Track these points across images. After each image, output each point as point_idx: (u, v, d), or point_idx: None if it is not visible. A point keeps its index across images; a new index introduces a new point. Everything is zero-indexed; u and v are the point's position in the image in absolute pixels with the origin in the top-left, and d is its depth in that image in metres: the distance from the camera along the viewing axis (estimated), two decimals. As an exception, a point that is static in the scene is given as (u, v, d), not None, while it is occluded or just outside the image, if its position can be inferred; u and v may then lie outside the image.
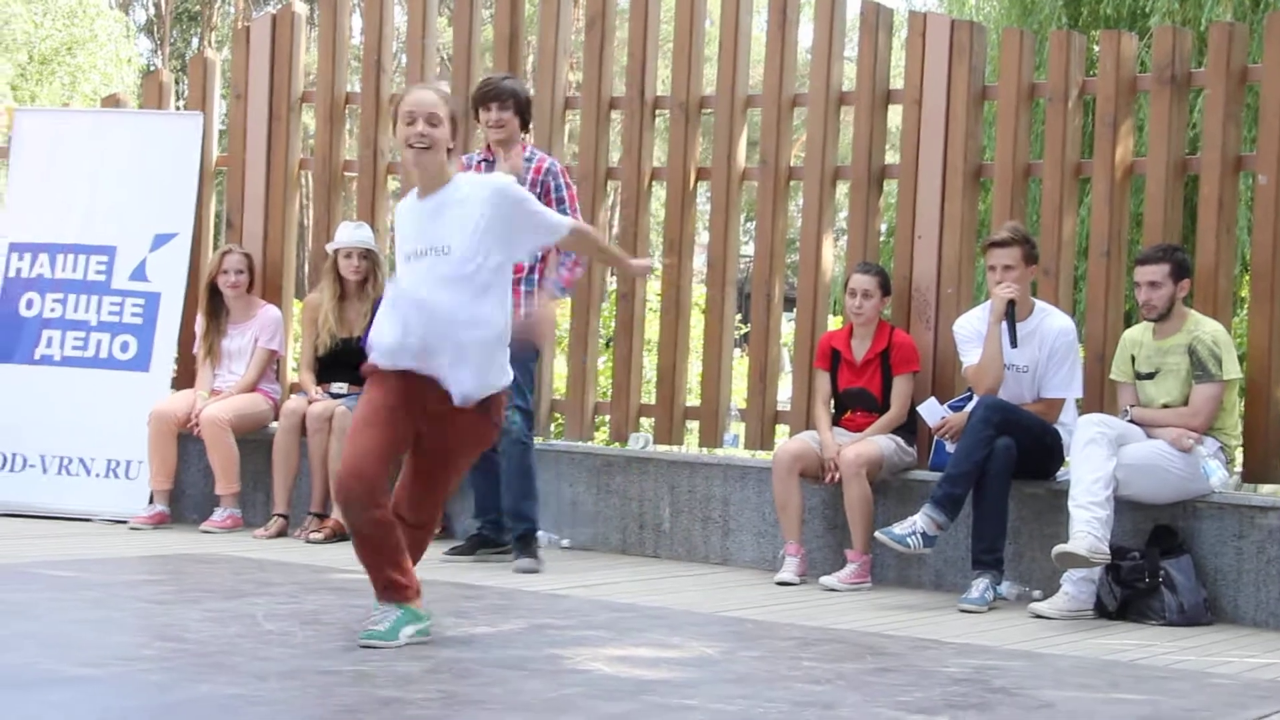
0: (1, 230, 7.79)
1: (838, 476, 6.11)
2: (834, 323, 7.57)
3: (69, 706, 3.37)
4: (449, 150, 4.37)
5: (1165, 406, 5.83)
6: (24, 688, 3.52)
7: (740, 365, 8.06)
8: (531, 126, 6.43)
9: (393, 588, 4.32)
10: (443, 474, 4.48)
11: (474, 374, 4.31)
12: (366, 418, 4.29)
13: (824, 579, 6.00)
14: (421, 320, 4.29)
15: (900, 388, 6.30)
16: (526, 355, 6.14)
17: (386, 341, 4.35)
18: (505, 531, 6.31)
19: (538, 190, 6.12)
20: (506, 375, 4.43)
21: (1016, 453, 5.75)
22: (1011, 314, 5.94)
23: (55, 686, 3.55)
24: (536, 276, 6.16)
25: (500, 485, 6.26)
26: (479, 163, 6.22)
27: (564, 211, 6.15)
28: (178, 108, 8.06)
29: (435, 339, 4.28)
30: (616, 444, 7.30)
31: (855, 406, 6.36)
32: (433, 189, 4.35)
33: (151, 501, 7.12)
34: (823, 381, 6.41)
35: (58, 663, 3.82)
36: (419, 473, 4.45)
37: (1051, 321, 6.07)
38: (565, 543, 6.84)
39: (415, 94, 4.38)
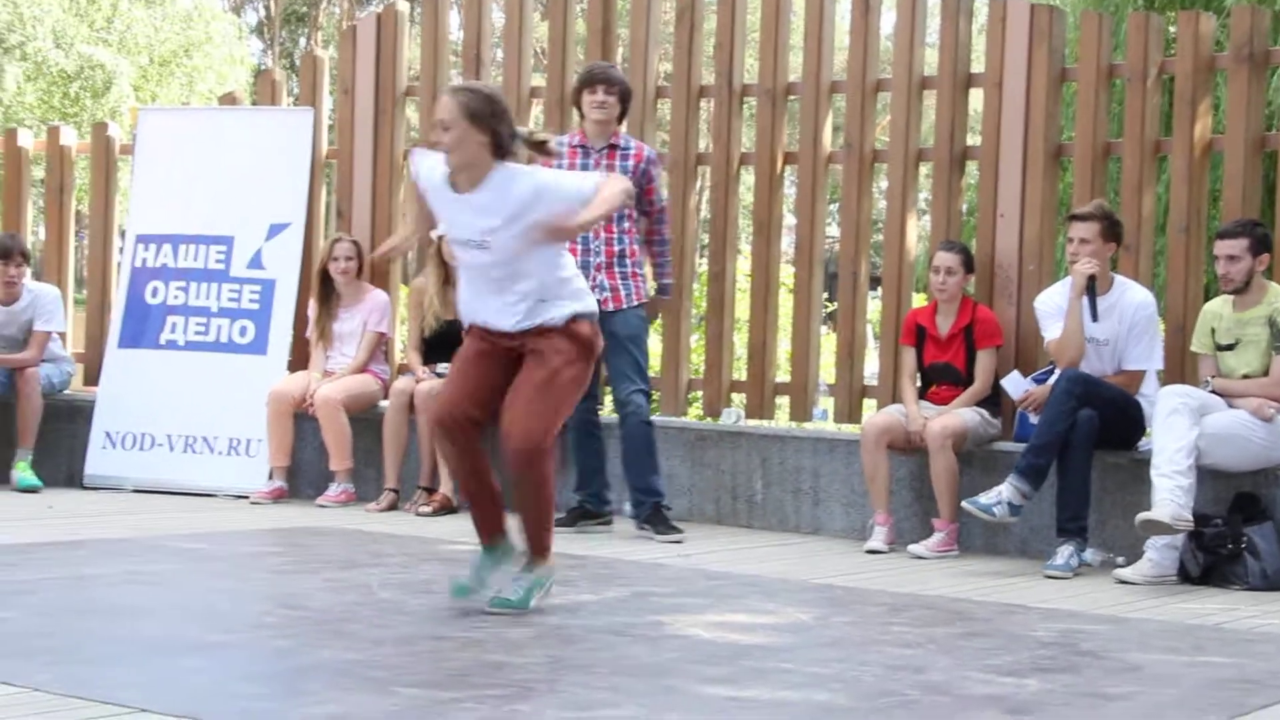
0: (128, 223, 8.18)
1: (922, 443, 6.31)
2: (918, 300, 7.73)
3: (206, 671, 3.63)
4: (491, 145, 4.45)
5: (1245, 377, 5.91)
6: (166, 654, 3.79)
7: (827, 342, 8.25)
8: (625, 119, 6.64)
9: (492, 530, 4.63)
10: (534, 383, 4.47)
11: (542, 315, 4.52)
12: (457, 364, 4.67)
13: (912, 547, 6.19)
14: (481, 290, 4.59)
15: (984, 362, 6.47)
16: (645, 340, 6.44)
17: (463, 305, 4.69)
18: (605, 504, 6.58)
19: (639, 177, 6.36)
20: (579, 300, 4.58)
21: (1099, 423, 5.84)
22: (1092, 289, 6.04)
23: (191, 653, 3.81)
24: (629, 260, 6.40)
25: (603, 460, 6.55)
26: (573, 148, 6.44)
27: (654, 201, 6.41)
28: (290, 104, 8.35)
29: (498, 304, 4.55)
30: (709, 419, 7.52)
31: (940, 380, 6.54)
32: (471, 184, 4.51)
33: (270, 478, 7.42)
34: (908, 357, 6.59)
35: (192, 631, 4.09)
36: (515, 392, 4.50)
37: (1131, 295, 6.17)
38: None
39: (438, 100, 4.58)
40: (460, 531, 6.42)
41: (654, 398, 7.62)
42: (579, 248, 6.39)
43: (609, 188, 4.57)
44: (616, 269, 6.36)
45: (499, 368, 4.58)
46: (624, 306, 6.39)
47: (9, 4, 21.17)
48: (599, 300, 6.34)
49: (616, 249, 6.34)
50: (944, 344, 6.50)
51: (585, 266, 6.37)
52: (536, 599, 4.57)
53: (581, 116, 6.48)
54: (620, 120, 6.47)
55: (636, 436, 6.39)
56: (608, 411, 7.00)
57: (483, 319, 4.62)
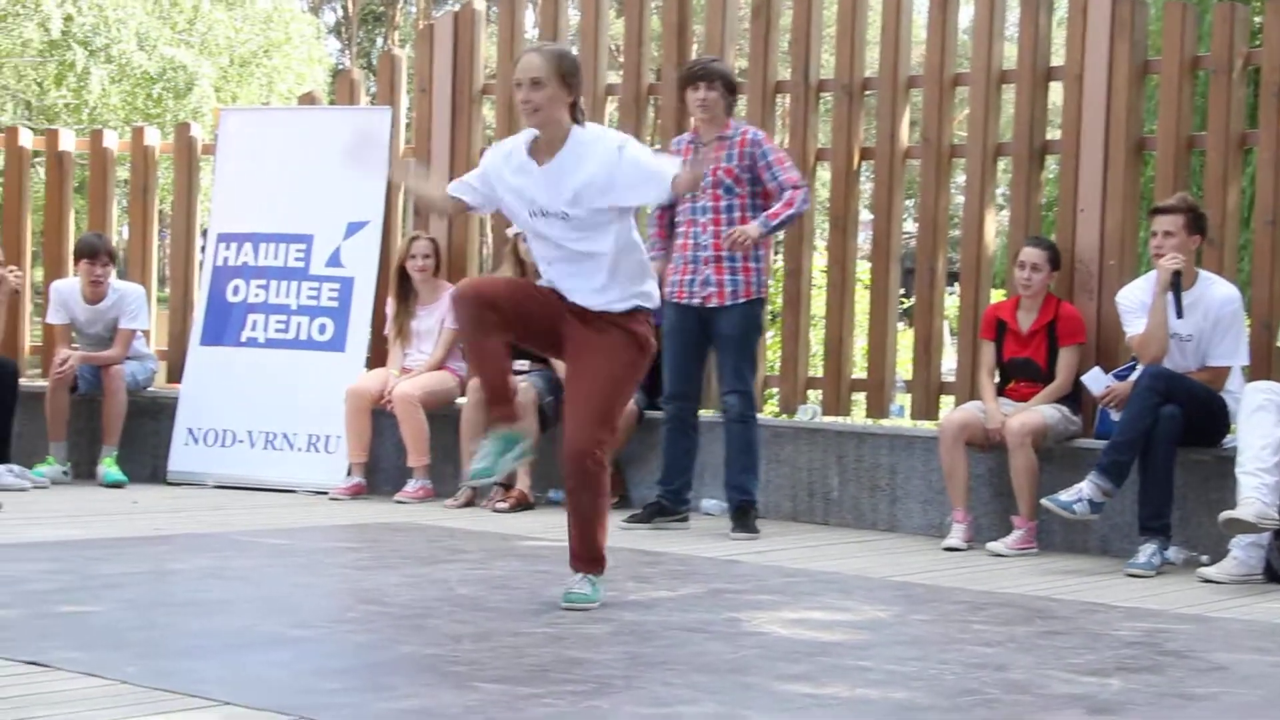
0: (210, 222, 8.28)
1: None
2: (995, 295, 7.66)
3: (288, 665, 3.67)
4: (572, 105, 4.48)
5: (1333, 373, 5.85)
6: (248, 648, 3.84)
7: (904, 338, 8.20)
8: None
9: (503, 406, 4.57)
10: (592, 383, 4.48)
11: (611, 294, 4.53)
12: (513, 278, 4.70)
13: (991, 545, 6.15)
14: (554, 268, 4.58)
15: (1067, 359, 6.40)
16: (750, 339, 6.42)
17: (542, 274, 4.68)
18: (684, 503, 6.58)
19: (745, 163, 6.35)
20: (646, 293, 4.58)
21: (1182, 420, 5.77)
22: (1177, 284, 5.96)
23: (275, 646, 3.87)
24: (739, 254, 6.38)
25: (689, 460, 6.57)
26: (687, 144, 6.46)
27: (774, 176, 6.34)
28: (368, 103, 8.42)
29: (572, 281, 4.55)
30: (785, 415, 7.51)
31: (1020, 376, 6.48)
32: (551, 151, 4.51)
33: (349, 474, 7.47)
34: (988, 352, 6.54)
35: (274, 625, 4.15)
36: (573, 395, 4.55)
37: (1216, 290, 6.09)
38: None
39: (521, 59, 4.54)
40: (538, 527, 6.47)
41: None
42: (689, 242, 6.39)
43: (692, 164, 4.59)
44: (725, 263, 6.35)
45: (547, 312, 4.56)
46: (727, 303, 6.37)
47: (95, 8, 21.50)
48: (703, 296, 6.38)
49: (725, 244, 6.33)
50: (1025, 340, 6.45)
51: (694, 260, 6.38)
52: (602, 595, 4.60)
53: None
54: (729, 112, 6.45)
55: (732, 436, 6.46)
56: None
57: (557, 284, 4.61)
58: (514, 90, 4.52)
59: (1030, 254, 6.42)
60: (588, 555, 4.61)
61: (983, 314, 6.69)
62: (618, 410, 4.58)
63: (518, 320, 4.55)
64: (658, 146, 7.86)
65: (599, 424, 4.47)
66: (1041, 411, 6.28)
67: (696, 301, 6.43)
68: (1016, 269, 6.45)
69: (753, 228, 6.30)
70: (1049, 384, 6.39)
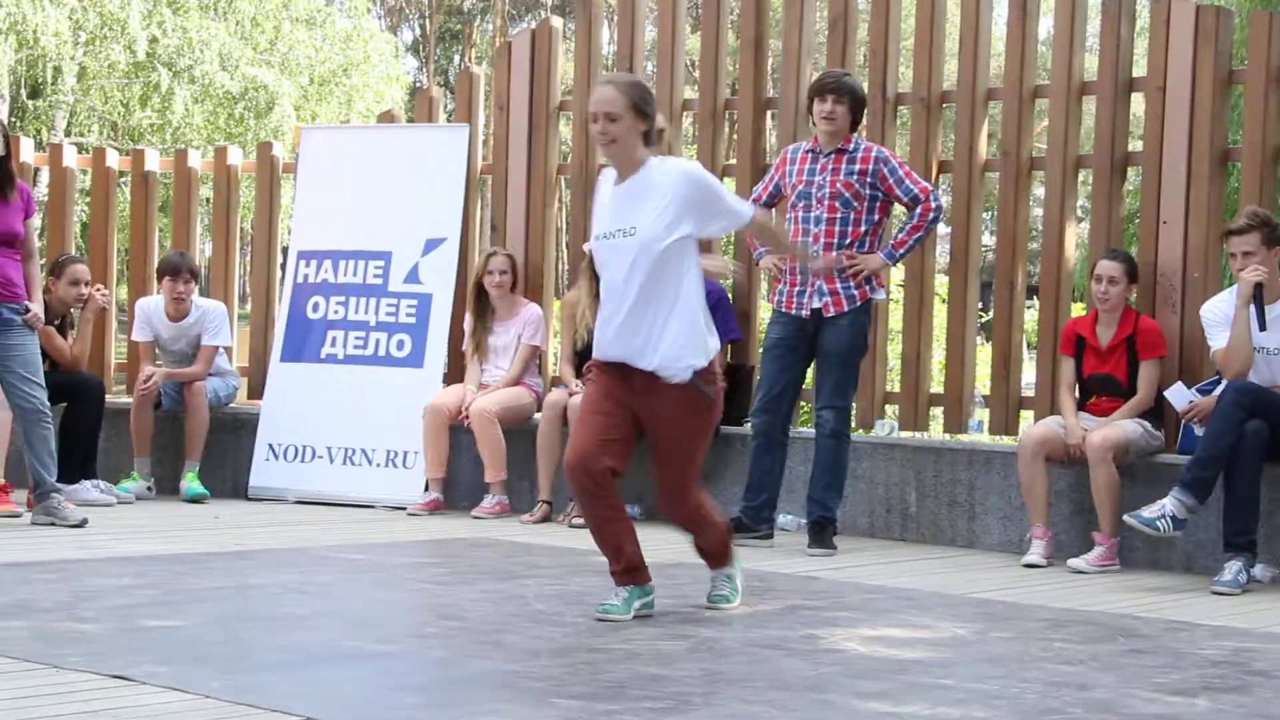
0: (290, 240, 8.38)
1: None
2: (1076, 309, 7.59)
3: (367, 681, 3.70)
4: (645, 134, 4.57)
5: None
6: (329, 663, 3.88)
7: (981, 353, 8.14)
8: (863, 124, 6.65)
9: (626, 572, 4.69)
10: (669, 454, 4.67)
11: (666, 346, 4.55)
12: (586, 408, 4.70)
13: (1072, 561, 6.08)
14: (616, 303, 4.59)
15: (1148, 373, 6.33)
16: (855, 354, 6.41)
17: (596, 334, 4.74)
18: (764, 521, 6.55)
19: (869, 179, 6.35)
20: (704, 350, 4.61)
21: (1267, 435, 5.70)
22: (1259, 297, 5.89)
23: (355, 662, 3.90)
24: (868, 242, 6.38)
25: (774, 478, 6.54)
26: (804, 153, 6.47)
27: (907, 190, 6.37)
28: (446, 120, 8.48)
29: (631, 319, 4.56)
30: (863, 431, 7.47)
31: (1100, 392, 6.41)
32: (626, 175, 4.61)
33: (426, 489, 7.52)
34: (1067, 367, 6.47)
35: (355, 640, 4.18)
36: (656, 462, 4.75)
37: (1301, 303, 6.02)
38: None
39: (595, 92, 4.63)
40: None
41: (804, 408, 7.58)
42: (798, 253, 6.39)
43: (779, 225, 4.71)
44: (836, 273, 6.34)
45: (625, 413, 4.64)
46: (845, 310, 6.36)
47: (179, 30, 21.84)
48: (819, 306, 6.36)
49: (835, 253, 6.33)
50: (1104, 355, 6.38)
51: (803, 272, 6.37)
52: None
53: (813, 124, 6.52)
54: (854, 127, 6.45)
55: (822, 451, 6.45)
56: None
57: (608, 346, 4.64)
58: (589, 122, 4.61)
59: (1107, 267, 6.35)
60: (723, 557, 4.94)
61: (1061, 329, 6.62)
62: (699, 458, 4.78)
63: (625, 448, 4.67)
64: (730, 161, 7.88)
65: (688, 483, 4.75)
66: (1123, 426, 6.21)
67: (806, 313, 6.41)
68: (1093, 282, 6.38)
69: (875, 259, 6.34)
70: (1130, 399, 6.31)
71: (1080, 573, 6.00)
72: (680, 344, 4.57)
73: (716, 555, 4.95)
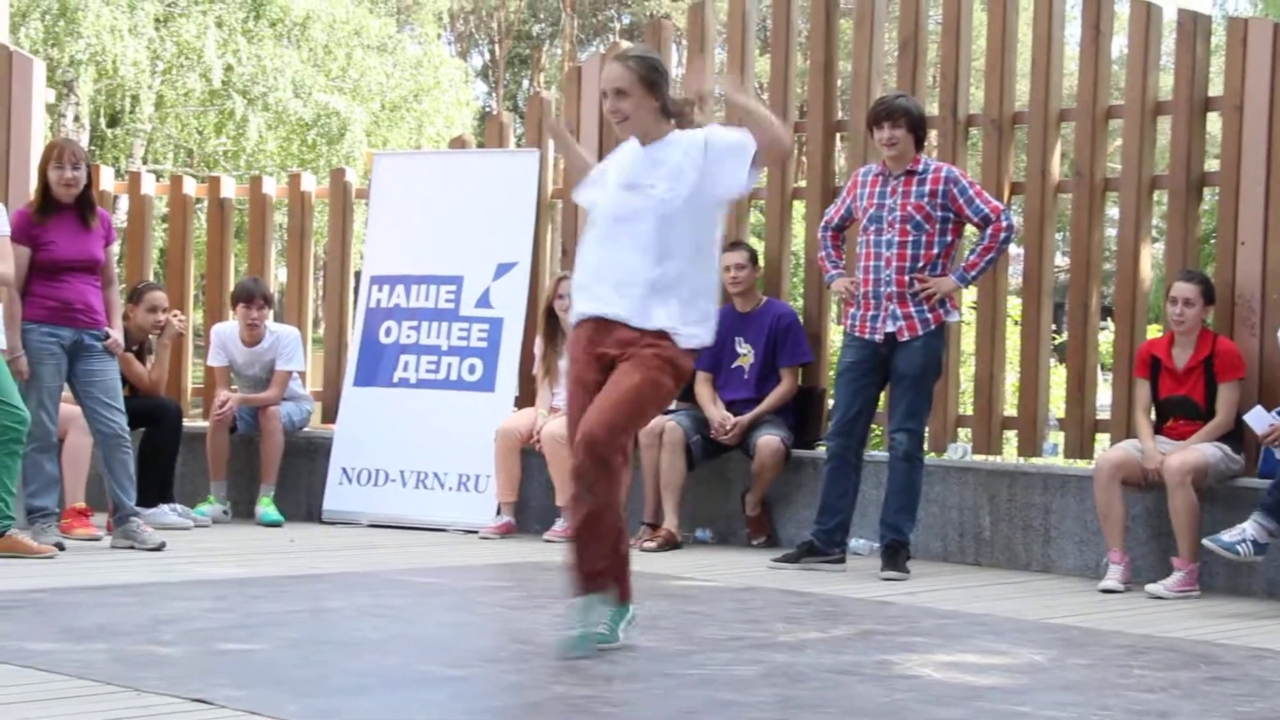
0: (363, 265, 8.46)
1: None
2: (1151, 331, 7.50)
3: (443, 705, 3.71)
4: (661, 108, 4.46)
5: None
6: (403, 687, 3.89)
7: (1056, 375, 8.07)
8: (926, 143, 6.62)
9: (596, 578, 4.39)
10: (609, 392, 4.34)
11: (657, 306, 4.38)
12: (570, 395, 4.52)
13: (1150, 587, 6.00)
14: (613, 252, 4.44)
15: (1226, 395, 6.24)
16: (929, 376, 6.37)
17: (579, 277, 4.53)
18: (836, 545, 6.52)
19: (940, 200, 6.31)
20: (691, 326, 4.42)
21: (1351, 459, 5.66)
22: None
23: (429, 686, 3.91)
24: (941, 264, 6.36)
25: (847, 501, 6.51)
26: (875, 176, 6.46)
27: (977, 210, 6.30)
28: (516, 145, 8.53)
29: (625, 272, 4.39)
30: (935, 454, 7.42)
31: (1176, 414, 6.33)
32: (650, 141, 4.50)
33: (499, 513, 7.54)
34: (1143, 390, 6.40)
35: (429, 664, 4.20)
36: (594, 401, 4.39)
37: (1384, 324, 5.93)
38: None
39: (605, 69, 4.53)
40: (686, 566, 6.46)
41: (876, 432, 7.55)
42: (870, 278, 6.36)
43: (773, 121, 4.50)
44: (910, 296, 6.32)
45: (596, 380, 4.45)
46: (920, 334, 6.32)
47: (253, 58, 22.16)
48: (893, 330, 6.34)
49: (907, 277, 6.31)
50: (1181, 377, 6.30)
51: (876, 296, 6.35)
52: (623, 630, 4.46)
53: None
54: (918, 148, 6.43)
55: (895, 474, 6.41)
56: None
57: (596, 298, 4.44)
58: (600, 100, 4.55)
59: (1183, 289, 6.27)
60: (585, 576, 4.40)
61: (1136, 351, 6.55)
62: (639, 419, 4.45)
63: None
64: (800, 184, 7.86)
65: (614, 419, 4.31)
66: (1201, 450, 6.13)
67: (880, 337, 6.38)
68: (1169, 304, 6.30)
69: (948, 282, 6.29)
70: (1208, 421, 6.23)
71: (1159, 598, 5.92)
72: (672, 304, 4.40)
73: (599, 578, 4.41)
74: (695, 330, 4.47)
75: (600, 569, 4.40)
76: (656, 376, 4.38)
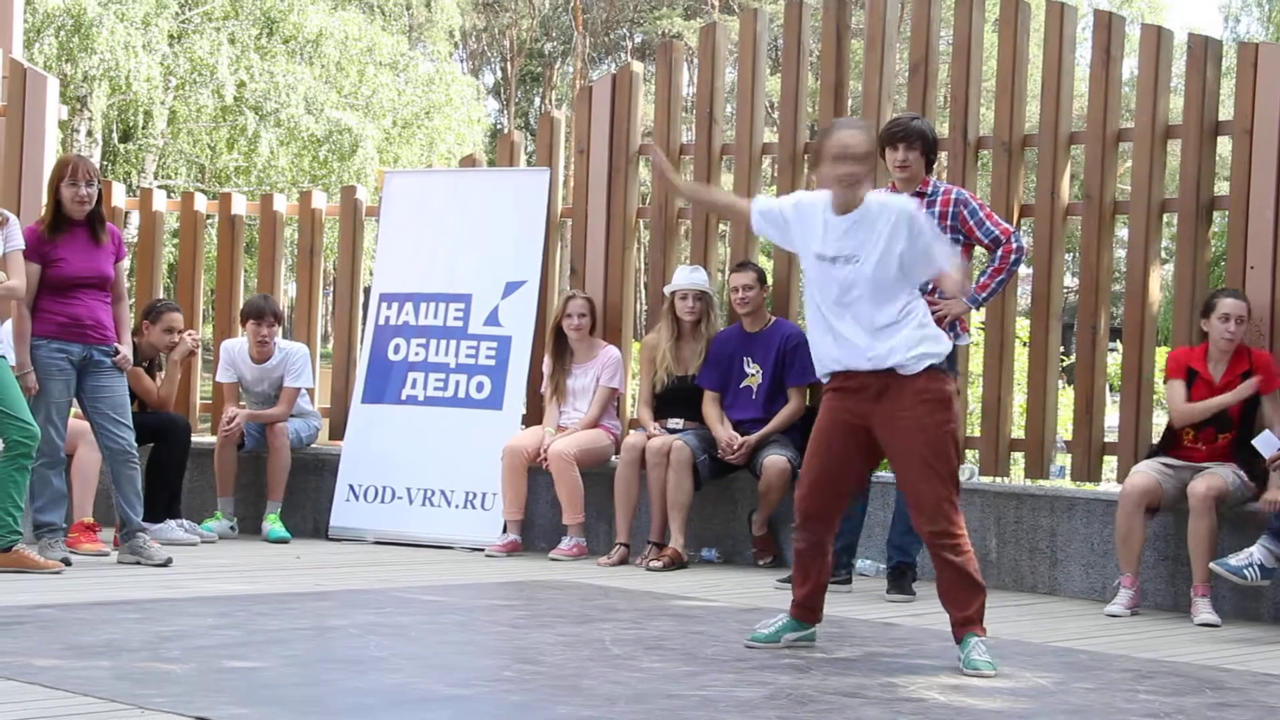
0: (373, 282, 8.46)
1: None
2: (1159, 353, 7.47)
3: (445, 724, 3.73)
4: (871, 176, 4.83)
5: None
6: (406, 707, 3.88)
7: (1064, 397, 8.04)
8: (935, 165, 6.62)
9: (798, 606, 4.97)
10: (911, 473, 4.74)
11: (898, 345, 4.71)
12: (816, 442, 4.89)
13: (1205, 615, 5.91)
14: (842, 326, 4.75)
15: (1270, 406, 6.17)
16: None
17: (818, 352, 4.86)
18: (842, 567, 6.49)
19: (949, 221, 6.27)
20: (929, 353, 4.75)
21: (1360, 483, 5.63)
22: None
23: (432, 705, 3.90)
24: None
25: (854, 523, 6.49)
26: None
27: (987, 232, 6.31)
28: (526, 164, 8.55)
29: (853, 343, 4.74)
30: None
31: (1207, 425, 6.20)
32: (848, 209, 4.77)
33: (505, 531, 7.54)
34: (1179, 388, 6.20)
35: (432, 683, 4.19)
36: (901, 483, 4.87)
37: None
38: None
39: (847, 134, 4.79)
40: (692, 586, 6.45)
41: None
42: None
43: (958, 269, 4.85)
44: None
45: (856, 443, 4.81)
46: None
47: (266, 75, 22.23)
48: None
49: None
50: (1217, 389, 6.20)
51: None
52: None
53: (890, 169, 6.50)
54: (928, 170, 6.41)
55: (901, 496, 6.35)
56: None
57: (837, 358, 4.79)
58: (834, 164, 4.73)
59: (1237, 306, 6.17)
60: (969, 618, 4.80)
61: (1168, 358, 6.40)
62: (952, 464, 4.77)
63: (850, 482, 4.94)
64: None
65: (943, 487, 4.72)
66: (1222, 474, 6.07)
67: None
68: (1219, 321, 6.16)
69: (958, 304, 6.23)
70: (1235, 433, 6.15)
71: (1211, 625, 5.85)
72: (908, 337, 4.74)
73: (967, 612, 4.85)
74: (932, 345, 4.87)
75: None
76: (934, 425, 4.84)
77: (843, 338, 4.76)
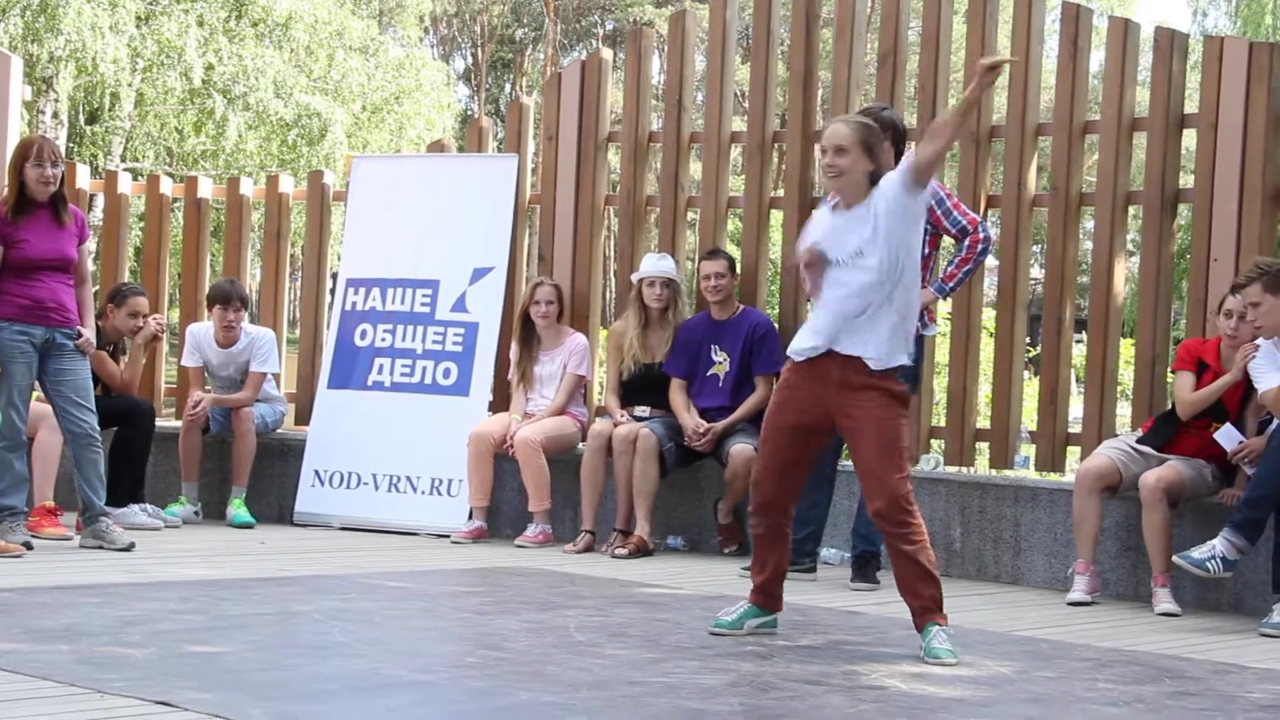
0: (340, 267, 8.43)
1: None
2: (1125, 345, 7.51)
3: (406, 710, 3.71)
4: (870, 171, 4.75)
5: None
6: (369, 692, 3.89)
7: (1029, 387, 8.07)
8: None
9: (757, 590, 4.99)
10: (869, 464, 4.75)
11: (879, 344, 4.73)
12: (768, 439, 4.92)
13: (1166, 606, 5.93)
14: (837, 324, 4.77)
15: None
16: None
17: (800, 344, 4.86)
18: (805, 556, 6.50)
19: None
20: (905, 355, 4.79)
21: (1320, 476, 5.65)
22: (1314, 336, 5.81)
23: (394, 691, 3.91)
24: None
25: (819, 512, 6.51)
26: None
27: (955, 222, 6.33)
28: (495, 150, 8.52)
29: (846, 334, 4.77)
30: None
31: (1203, 415, 6.18)
32: (851, 204, 4.78)
33: (470, 517, 7.53)
34: (1187, 380, 6.14)
35: (395, 669, 4.19)
36: (858, 466, 4.84)
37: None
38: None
39: (828, 128, 4.80)
40: (656, 573, 6.46)
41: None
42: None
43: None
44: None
45: (806, 430, 4.85)
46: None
47: (235, 57, 22.10)
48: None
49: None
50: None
51: None
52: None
53: None
54: (897, 160, 6.37)
55: None
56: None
57: (816, 329, 4.81)
58: (818, 156, 4.76)
59: (1239, 303, 6.05)
60: (925, 605, 4.78)
61: (1178, 348, 6.36)
62: (905, 456, 4.80)
63: (800, 479, 4.99)
64: (778, 193, 7.88)
65: (896, 474, 4.71)
66: (1178, 467, 6.09)
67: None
68: (1222, 318, 6.15)
69: (926, 294, 6.19)
70: (1225, 422, 6.15)
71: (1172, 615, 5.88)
72: (892, 347, 4.76)
73: (923, 599, 4.84)
74: (903, 358, 4.90)
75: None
76: (890, 420, 4.85)
77: (830, 315, 4.80)
